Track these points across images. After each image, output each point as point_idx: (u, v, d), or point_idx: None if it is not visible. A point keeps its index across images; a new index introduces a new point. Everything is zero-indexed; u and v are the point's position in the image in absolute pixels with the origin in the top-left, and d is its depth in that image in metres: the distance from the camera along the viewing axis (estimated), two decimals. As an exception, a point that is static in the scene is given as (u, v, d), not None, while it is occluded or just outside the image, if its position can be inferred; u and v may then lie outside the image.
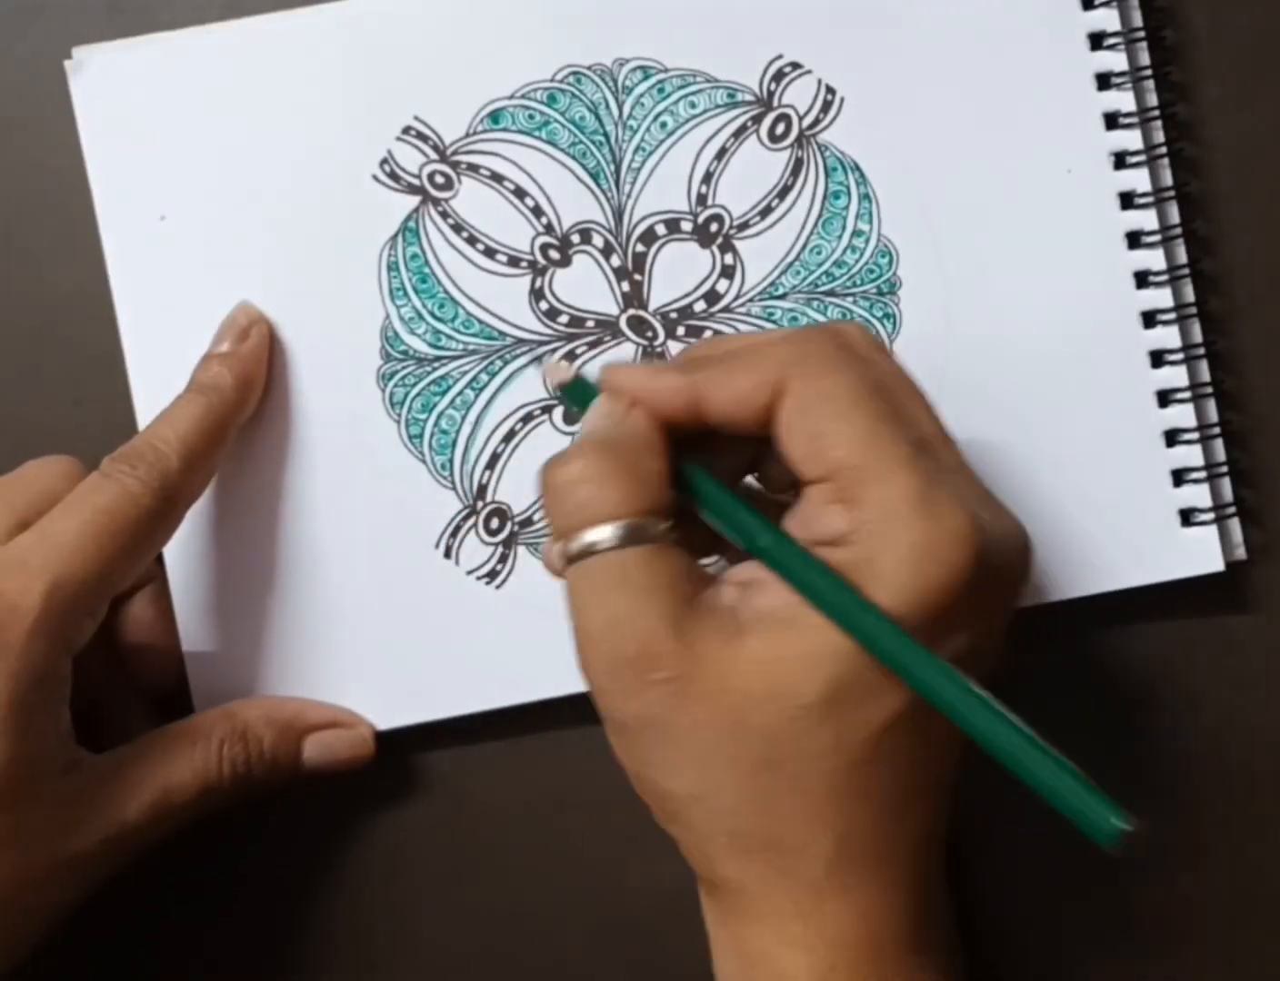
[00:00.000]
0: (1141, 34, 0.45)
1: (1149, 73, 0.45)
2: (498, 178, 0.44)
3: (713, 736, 0.35)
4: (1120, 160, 0.44)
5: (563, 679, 0.43)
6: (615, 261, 0.44)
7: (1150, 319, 0.44)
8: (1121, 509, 0.44)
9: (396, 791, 0.45)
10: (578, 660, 0.36)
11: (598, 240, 0.44)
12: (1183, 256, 0.45)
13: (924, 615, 0.34)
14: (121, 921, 0.44)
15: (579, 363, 0.44)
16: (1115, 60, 0.44)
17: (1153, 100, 0.45)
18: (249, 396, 0.43)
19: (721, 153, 0.44)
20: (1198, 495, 0.44)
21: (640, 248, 0.44)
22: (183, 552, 0.44)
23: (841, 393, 0.35)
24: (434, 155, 0.44)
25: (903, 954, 0.37)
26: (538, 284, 0.44)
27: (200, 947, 0.45)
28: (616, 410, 0.37)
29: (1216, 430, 0.45)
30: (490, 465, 0.44)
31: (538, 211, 0.44)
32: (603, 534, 0.35)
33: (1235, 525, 0.45)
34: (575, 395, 0.38)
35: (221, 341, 0.43)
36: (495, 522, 0.44)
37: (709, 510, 0.37)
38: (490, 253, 0.44)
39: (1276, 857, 0.46)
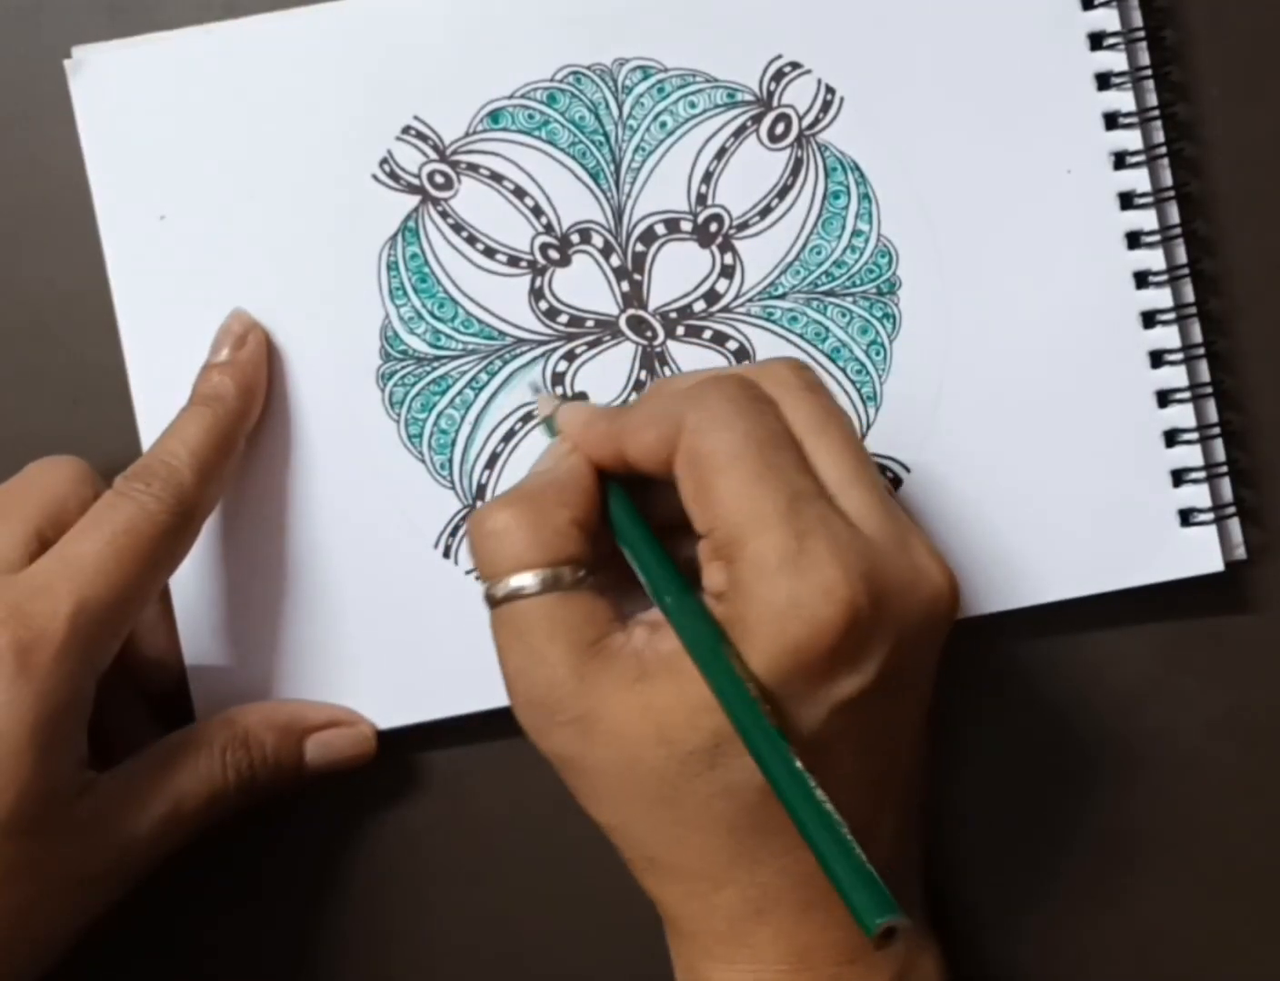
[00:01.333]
0: (1141, 34, 0.45)
1: (1149, 73, 0.45)
2: (497, 177, 0.44)
3: (616, 775, 0.37)
4: (1120, 160, 0.44)
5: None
6: (615, 261, 0.44)
7: (1150, 319, 0.44)
8: (1121, 509, 0.44)
9: (396, 791, 0.45)
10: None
11: (597, 240, 0.44)
12: (1183, 256, 0.45)
13: (793, 670, 0.35)
14: (120, 922, 0.44)
15: (560, 394, 0.44)
16: (1115, 60, 0.44)
17: (1153, 100, 0.45)
18: (253, 403, 0.43)
19: (721, 152, 0.44)
20: (1197, 495, 0.44)
21: (640, 247, 0.44)
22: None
23: (721, 449, 0.36)
24: (434, 155, 0.44)
25: (833, 965, 0.38)
26: (537, 283, 0.44)
27: (198, 948, 0.45)
28: (560, 452, 0.40)
29: (1216, 430, 0.45)
30: (490, 465, 0.44)
31: (537, 211, 0.44)
32: (521, 581, 0.37)
33: (1235, 525, 0.45)
34: (550, 428, 0.41)
35: (219, 350, 0.43)
36: (495, 522, 0.44)
37: (625, 551, 0.39)
38: (490, 252, 0.44)
39: (1277, 855, 0.46)
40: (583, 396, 0.44)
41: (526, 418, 0.44)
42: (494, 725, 0.44)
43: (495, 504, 0.38)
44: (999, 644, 0.45)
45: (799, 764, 0.34)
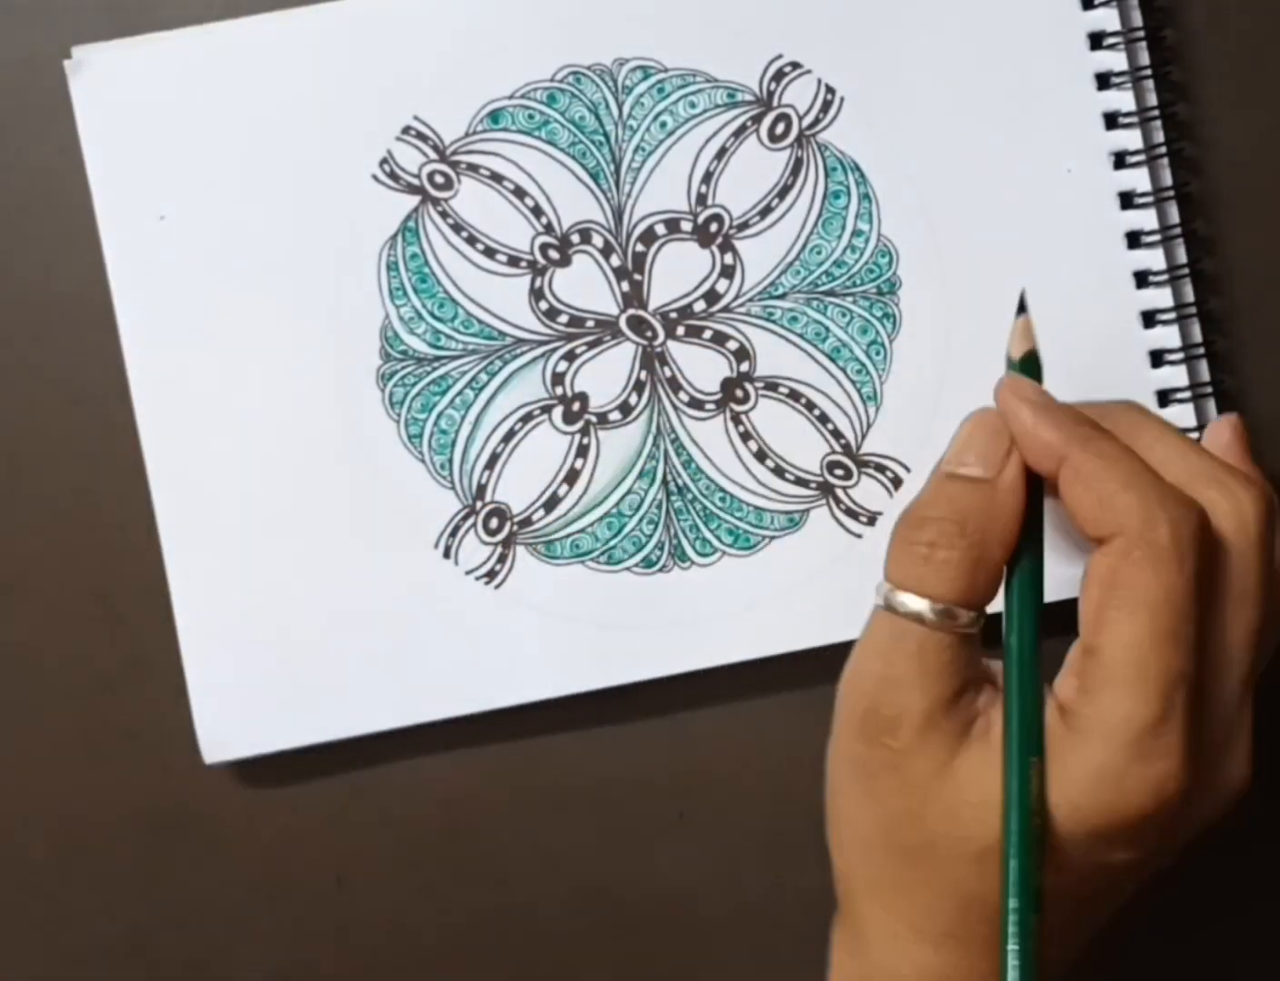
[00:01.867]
0: (1141, 34, 0.45)
1: (1149, 73, 0.45)
2: (497, 177, 0.44)
3: (897, 812, 0.37)
4: (1120, 160, 0.44)
5: (559, 680, 0.43)
6: (615, 261, 0.44)
7: (1150, 318, 0.44)
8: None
9: (394, 791, 0.45)
10: (843, 675, 0.38)
11: (597, 240, 0.44)
12: (1183, 256, 0.45)
13: (1087, 829, 0.35)
14: (121, 924, 0.45)
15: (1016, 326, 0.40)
16: (1115, 60, 0.44)
17: (1153, 100, 0.45)
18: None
19: (721, 152, 0.44)
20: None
21: (640, 247, 0.44)
22: (183, 549, 0.44)
23: (1140, 591, 0.35)
24: (434, 155, 0.44)
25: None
26: (537, 284, 0.44)
27: (195, 949, 0.45)
28: (997, 451, 0.37)
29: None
30: (490, 465, 0.44)
31: (537, 211, 0.44)
32: (919, 605, 0.36)
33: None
34: (1024, 367, 0.38)
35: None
36: (494, 522, 0.44)
37: (1006, 605, 0.37)
38: (490, 252, 0.44)
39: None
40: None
41: (526, 418, 0.44)
42: (492, 727, 0.44)
43: (934, 514, 0.37)
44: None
45: (1033, 942, 0.34)
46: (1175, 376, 0.44)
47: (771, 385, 0.44)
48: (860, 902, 0.38)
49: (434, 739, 0.45)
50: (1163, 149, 0.45)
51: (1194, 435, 0.44)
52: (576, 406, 0.44)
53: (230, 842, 0.45)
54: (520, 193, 0.44)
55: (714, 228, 0.44)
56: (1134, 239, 0.44)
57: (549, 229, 0.44)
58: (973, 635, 0.37)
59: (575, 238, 0.44)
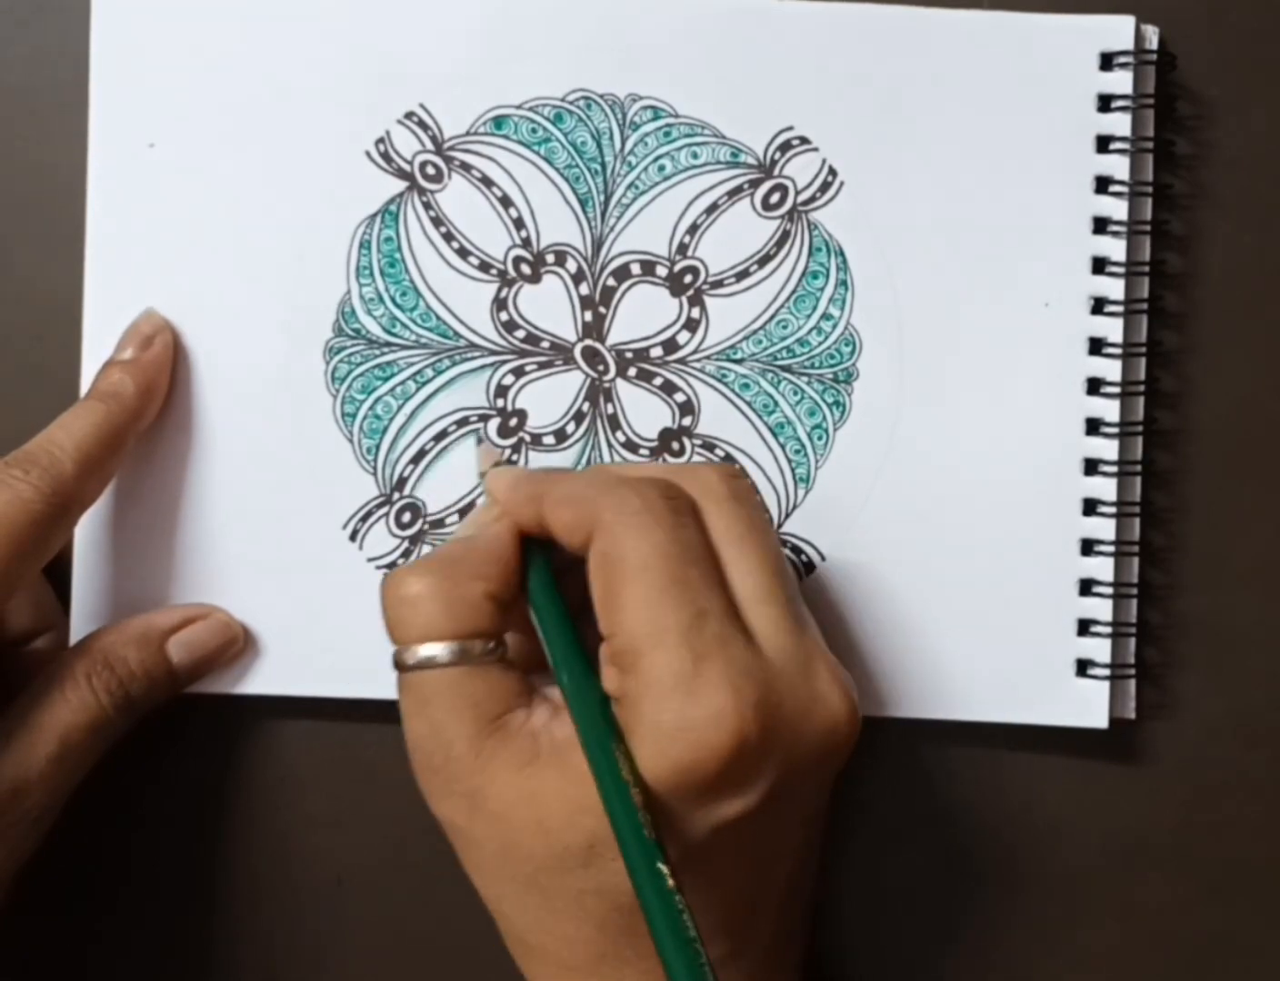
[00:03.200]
0: (1149, 188, 0.45)
1: (1147, 227, 0.45)
2: (487, 182, 0.44)
3: (495, 853, 0.37)
4: (1099, 306, 0.45)
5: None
6: (584, 290, 0.45)
7: (1092, 467, 0.45)
8: (1022, 646, 0.44)
9: (395, 791, 0.45)
10: None
11: (571, 265, 0.45)
12: (1139, 413, 0.45)
13: (675, 789, 0.35)
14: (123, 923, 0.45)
15: (502, 453, 0.44)
16: (1116, 206, 0.45)
17: (1145, 252, 0.45)
18: (150, 405, 0.43)
19: (712, 208, 0.45)
20: (1098, 648, 0.44)
21: (611, 282, 0.45)
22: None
23: (631, 557, 0.36)
24: (430, 146, 0.44)
25: None
26: (503, 294, 0.44)
27: (193, 943, 0.46)
28: (484, 520, 0.39)
29: (1133, 588, 0.45)
30: (415, 460, 0.44)
31: (519, 223, 0.44)
32: (430, 650, 0.37)
33: (1131, 683, 0.45)
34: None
35: (124, 348, 0.43)
36: (407, 517, 0.44)
37: (537, 627, 0.38)
38: (464, 253, 0.44)
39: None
40: (512, 462, 0.44)
41: (462, 422, 0.45)
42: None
43: (411, 570, 0.38)
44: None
45: (670, 883, 0.34)
46: (1103, 527, 0.45)
47: (709, 445, 0.45)
48: (520, 961, 0.39)
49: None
50: (1144, 304, 0.45)
51: (1108, 590, 0.44)
52: (514, 422, 0.45)
53: (230, 842, 0.45)
54: (506, 201, 0.44)
55: (688, 279, 0.45)
56: (1094, 386, 0.45)
57: (526, 243, 0.44)
58: (498, 664, 0.38)
59: (550, 257, 0.45)
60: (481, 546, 0.38)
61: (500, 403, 0.45)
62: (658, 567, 0.36)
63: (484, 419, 0.45)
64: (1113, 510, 0.44)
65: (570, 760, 0.36)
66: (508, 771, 0.37)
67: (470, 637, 0.37)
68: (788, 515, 0.45)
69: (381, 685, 0.43)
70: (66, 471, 0.40)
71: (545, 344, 0.45)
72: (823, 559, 0.44)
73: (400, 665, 0.38)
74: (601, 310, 0.45)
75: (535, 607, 0.39)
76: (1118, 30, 0.44)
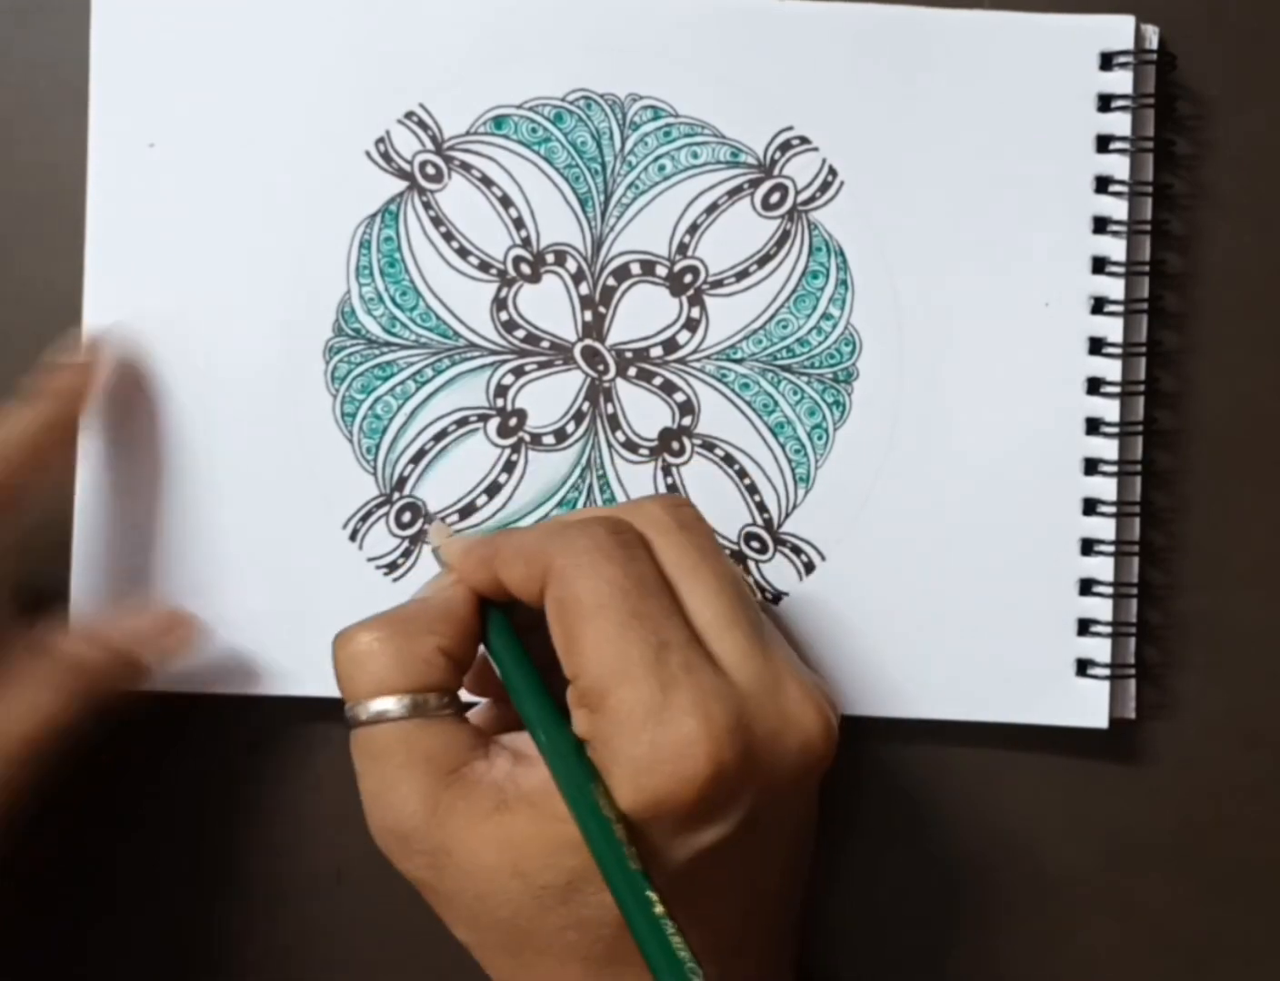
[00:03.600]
0: (1149, 188, 0.45)
1: (1147, 227, 0.45)
2: (487, 181, 0.44)
3: (469, 903, 0.37)
4: (1099, 306, 0.45)
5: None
6: (584, 290, 0.45)
7: (1092, 466, 0.45)
8: (1022, 646, 0.44)
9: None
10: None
11: (571, 265, 0.45)
12: (1139, 412, 0.45)
13: (654, 821, 0.35)
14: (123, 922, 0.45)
15: (453, 527, 0.44)
16: (1116, 206, 0.45)
17: (1145, 253, 0.45)
18: (87, 405, 0.43)
19: (712, 208, 0.45)
20: (1098, 648, 0.44)
21: (611, 281, 0.45)
22: (94, 467, 0.44)
23: (586, 597, 0.36)
24: (430, 145, 0.44)
25: None
26: (503, 294, 0.44)
27: (193, 942, 0.46)
28: (441, 583, 0.39)
29: (1133, 589, 0.45)
30: (415, 460, 0.44)
31: (519, 223, 0.44)
32: (382, 705, 0.37)
33: (1131, 683, 0.45)
34: (440, 558, 0.41)
35: (73, 351, 0.43)
36: (407, 517, 0.44)
37: (504, 681, 0.38)
38: (463, 253, 0.44)
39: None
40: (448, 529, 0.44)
41: (462, 422, 0.45)
42: None
43: (362, 625, 0.38)
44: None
45: (659, 909, 0.34)
46: (1103, 527, 0.45)
47: (709, 445, 0.45)
48: None
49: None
50: (1144, 304, 0.45)
51: (1108, 589, 0.44)
52: (513, 422, 0.45)
53: (230, 841, 0.45)
54: (506, 201, 0.44)
55: (688, 279, 0.45)
56: (1094, 386, 0.45)
57: (526, 243, 0.44)
58: (452, 718, 0.38)
59: (550, 257, 0.45)
60: (435, 604, 0.38)
61: (500, 402, 0.45)
62: (614, 603, 0.36)
63: (484, 419, 0.45)
64: (1113, 510, 0.44)
65: (543, 803, 0.36)
66: (471, 821, 0.36)
67: (423, 690, 0.37)
68: (788, 515, 0.45)
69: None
70: (11, 462, 0.41)
71: (545, 344, 0.45)
72: (823, 559, 0.44)
73: (353, 721, 0.38)
74: (601, 310, 0.45)
75: (498, 662, 0.38)
76: (1118, 30, 0.44)
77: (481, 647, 0.39)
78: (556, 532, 0.37)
